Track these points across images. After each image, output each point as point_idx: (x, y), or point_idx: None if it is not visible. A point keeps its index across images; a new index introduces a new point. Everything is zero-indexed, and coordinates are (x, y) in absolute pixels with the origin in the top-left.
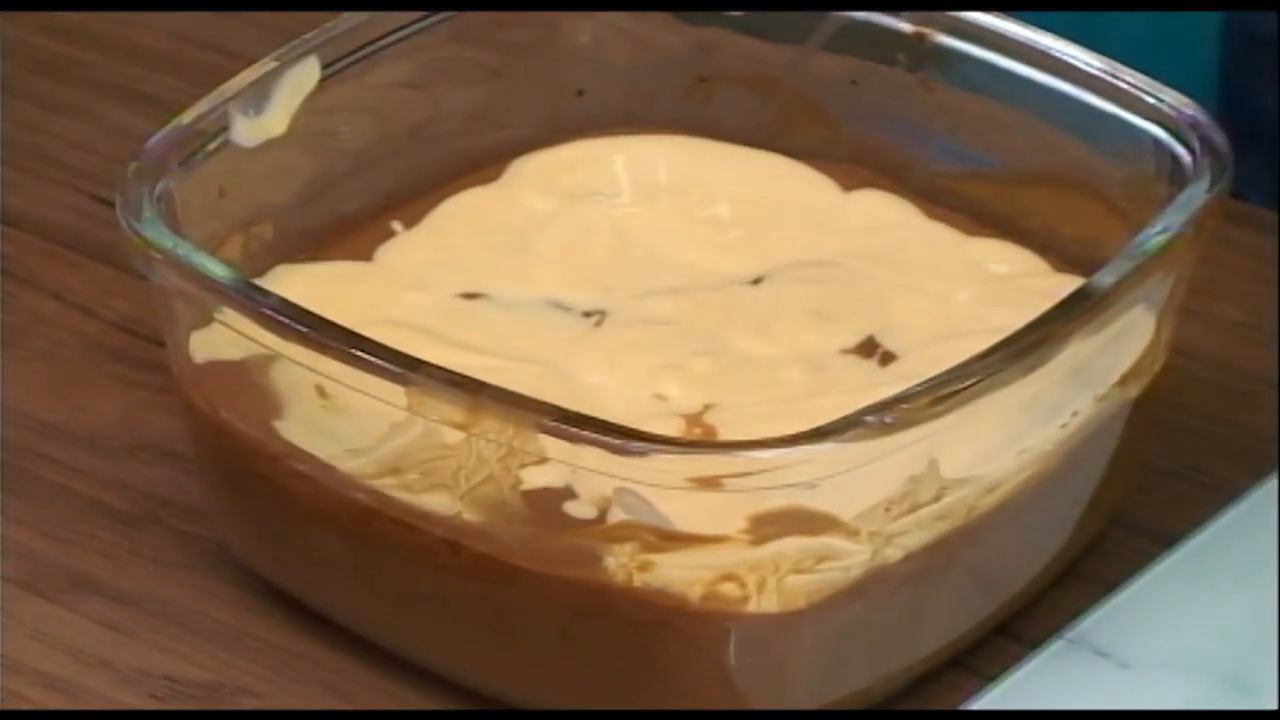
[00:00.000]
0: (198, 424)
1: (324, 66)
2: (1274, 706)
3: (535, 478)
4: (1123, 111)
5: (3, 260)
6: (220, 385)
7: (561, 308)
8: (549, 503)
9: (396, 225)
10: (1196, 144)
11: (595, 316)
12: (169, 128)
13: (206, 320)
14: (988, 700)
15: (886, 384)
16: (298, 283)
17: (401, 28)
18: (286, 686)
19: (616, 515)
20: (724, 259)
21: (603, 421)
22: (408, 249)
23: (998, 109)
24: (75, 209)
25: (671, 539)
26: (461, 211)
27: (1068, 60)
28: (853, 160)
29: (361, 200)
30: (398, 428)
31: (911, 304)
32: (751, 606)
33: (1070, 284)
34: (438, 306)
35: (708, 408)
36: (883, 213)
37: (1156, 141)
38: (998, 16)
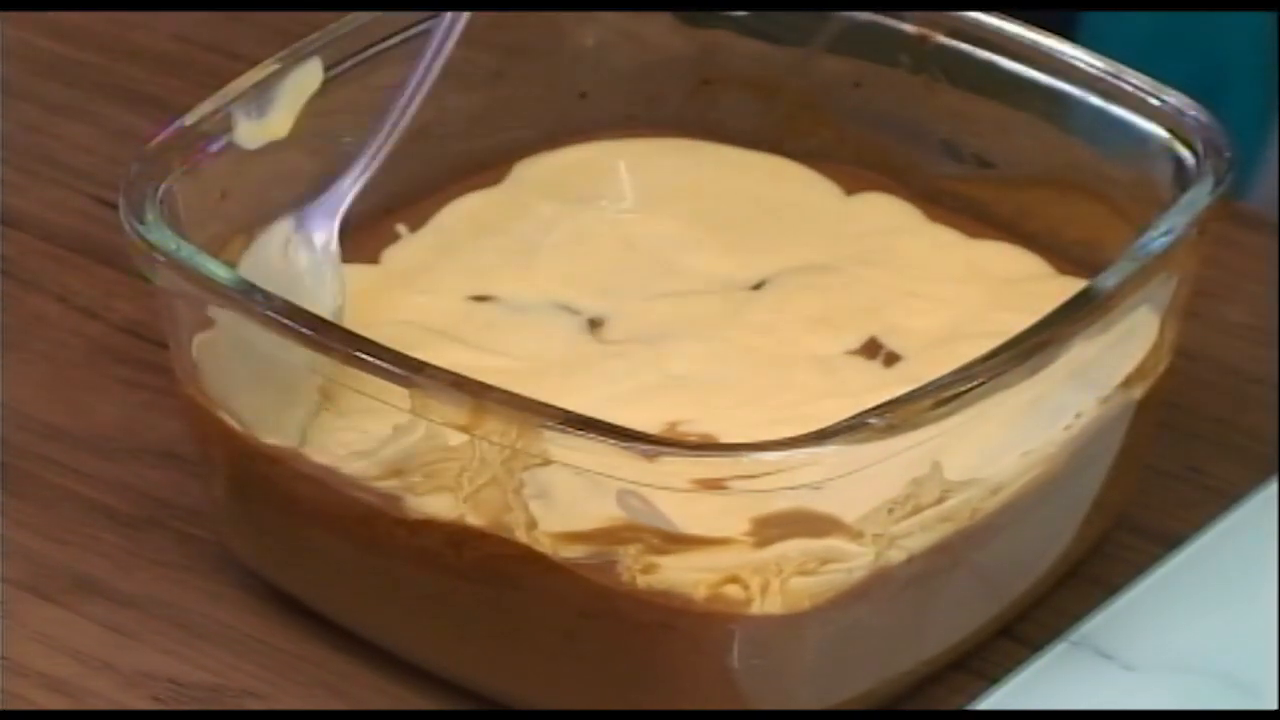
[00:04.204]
0: (200, 426)
1: (327, 68)
2: (1276, 707)
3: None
4: (1126, 113)
5: (5, 262)
6: None
7: (569, 311)
8: None
9: (401, 228)
10: (1200, 145)
11: (600, 320)
12: (172, 129)
13: (209, 322)
14: (991, 702)
15: (890, 387)
16: None
17: (404, 29)
18: (289, 688)
19: (621, 517)
20: (727, 263)
21: (607, 424)
22: (413, 251)
23: (1001, 111)
24: (78, 211)
25: (676, 541)
26: (465, 214)
27: (1071, 62)
28: (856, 163)
29: (364, 202)
30: (401, 430)
31: (914, 307)
32: (755, 608)
33: (1073, 286)
34: (448, 309)
35: (711, 410)
36: (885, 216)
37: (1160, 143)
38: (1000, 18)
